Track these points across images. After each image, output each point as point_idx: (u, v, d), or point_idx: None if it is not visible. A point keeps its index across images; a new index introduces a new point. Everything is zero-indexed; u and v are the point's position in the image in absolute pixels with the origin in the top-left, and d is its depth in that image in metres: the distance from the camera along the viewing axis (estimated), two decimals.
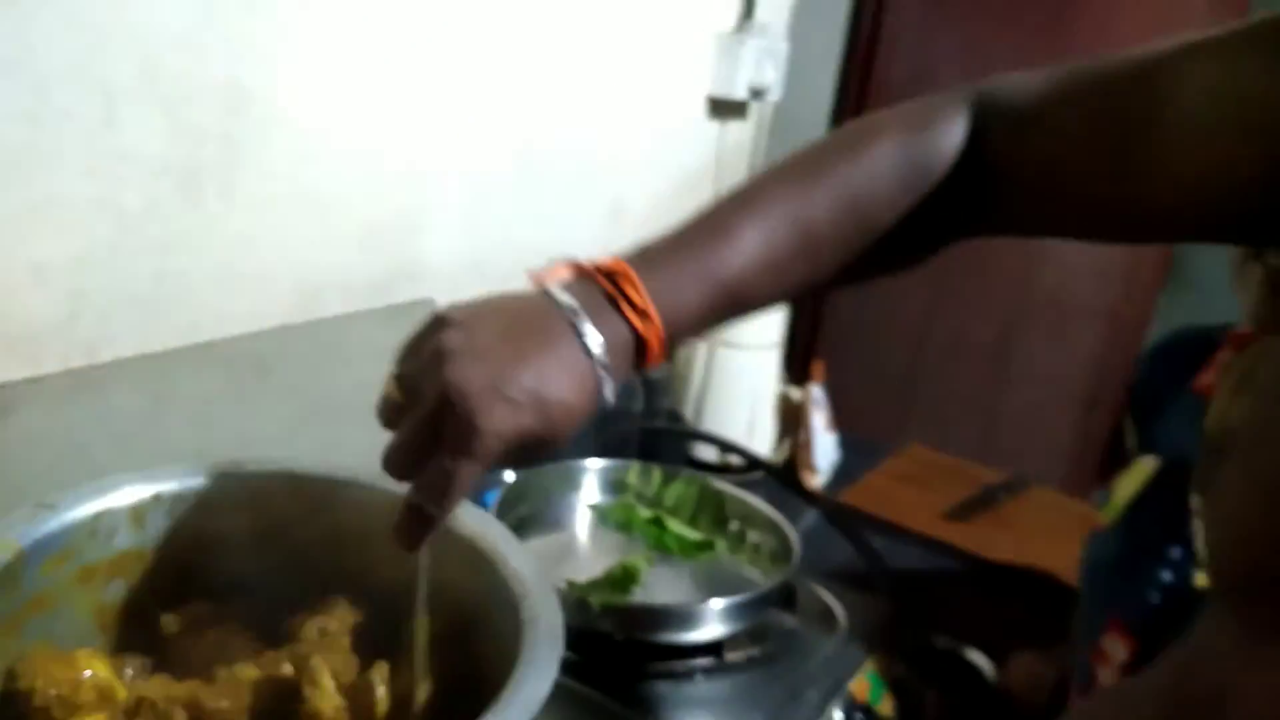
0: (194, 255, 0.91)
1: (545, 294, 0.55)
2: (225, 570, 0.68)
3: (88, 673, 0.57)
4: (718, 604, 0.88)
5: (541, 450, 0.55)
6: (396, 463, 0.53)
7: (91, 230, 0.82)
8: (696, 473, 1.12)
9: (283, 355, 0.99)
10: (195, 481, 0.68)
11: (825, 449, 1.62)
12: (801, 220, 0.58)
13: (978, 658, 1.14)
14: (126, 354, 0.87)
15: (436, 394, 0.51)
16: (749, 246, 0.57)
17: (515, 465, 0.57)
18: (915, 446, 1.84)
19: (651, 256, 0.57)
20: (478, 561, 0.68)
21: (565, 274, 0.57)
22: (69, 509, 0.62)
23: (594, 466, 1.13)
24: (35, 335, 0.80)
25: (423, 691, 0.64)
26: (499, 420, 0.51)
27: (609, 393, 0.55)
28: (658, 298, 0.55)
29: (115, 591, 0.65)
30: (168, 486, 0.67)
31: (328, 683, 0.64)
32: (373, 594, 0.71)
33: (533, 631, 0.61)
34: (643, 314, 0.55)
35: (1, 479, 0.74)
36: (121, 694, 0.58)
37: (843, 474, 1.62)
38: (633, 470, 1.12)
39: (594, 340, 0.53)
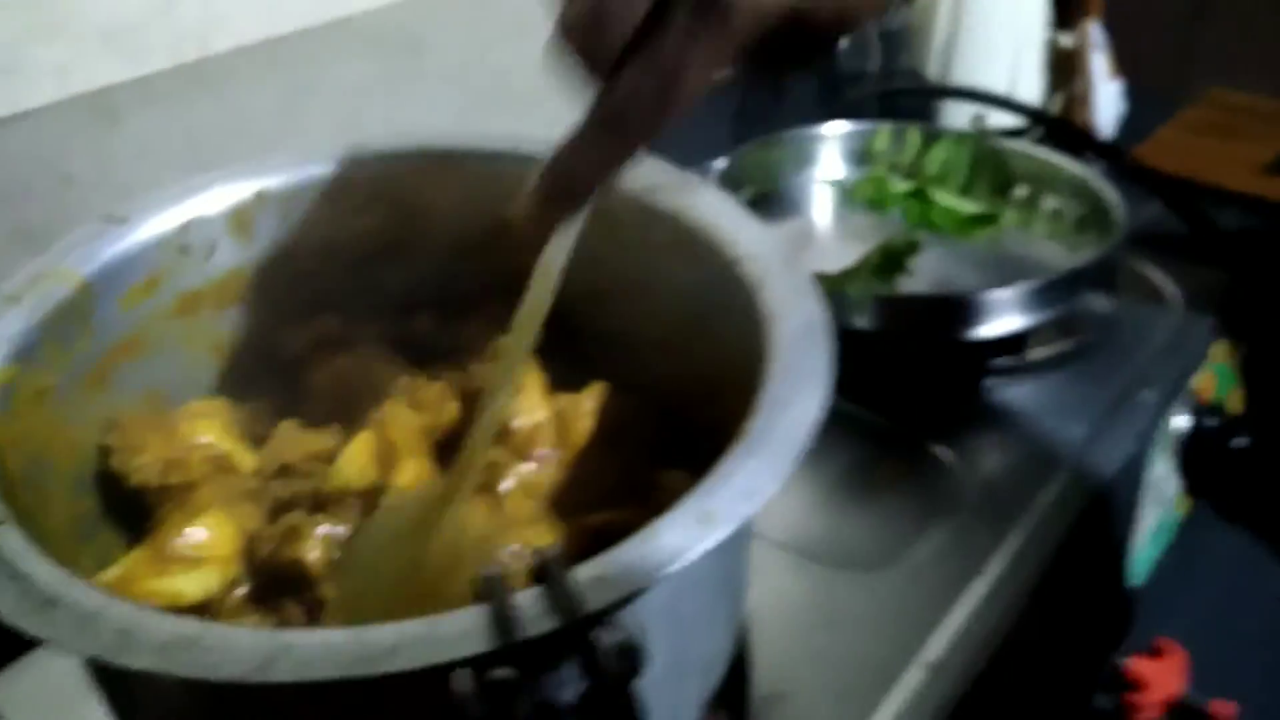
0: None
1: None
2: (361, 281, 0.53)
3: (203, 438, 0.44)
4: (1020, 288, 0.67)
5: (809, 46, 0.34)
6: (587, 27, 0.31)
7: None
8: (966, 130, 0.88)
9: (441, 30, 0.80)
10: (309, 172, 0.51)
11: (1108, 100, 1.31)
12: None
13: None
14: (248, 40, 0.70)
15: None
16: None
17: (766, 69, 0.37)
18: (1216, 91, 1.48)
19: None
20: (693, 240, 0.49)
21: None
22: (145, 221, 0.46)
23: (832, 133, 0.90)
24: (134, 26, 0.64)
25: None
26: None
27: None
28: None
29: (231, 323, 0.51)
30: (273, 181, 0.50)
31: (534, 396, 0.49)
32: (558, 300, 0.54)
33: (780, 329, 0.43)
34: None
35: (109, 199, 0.61)
36: (247, 461, 0.45)
37: (1130, 130, 1.32)
38: (881, 134, 0.88)
39: None
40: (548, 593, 0.31)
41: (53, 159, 0.60)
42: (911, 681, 0.51)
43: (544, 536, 0.43)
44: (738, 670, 0.50)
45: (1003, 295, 0.67)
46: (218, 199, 0.49)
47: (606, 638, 0.29)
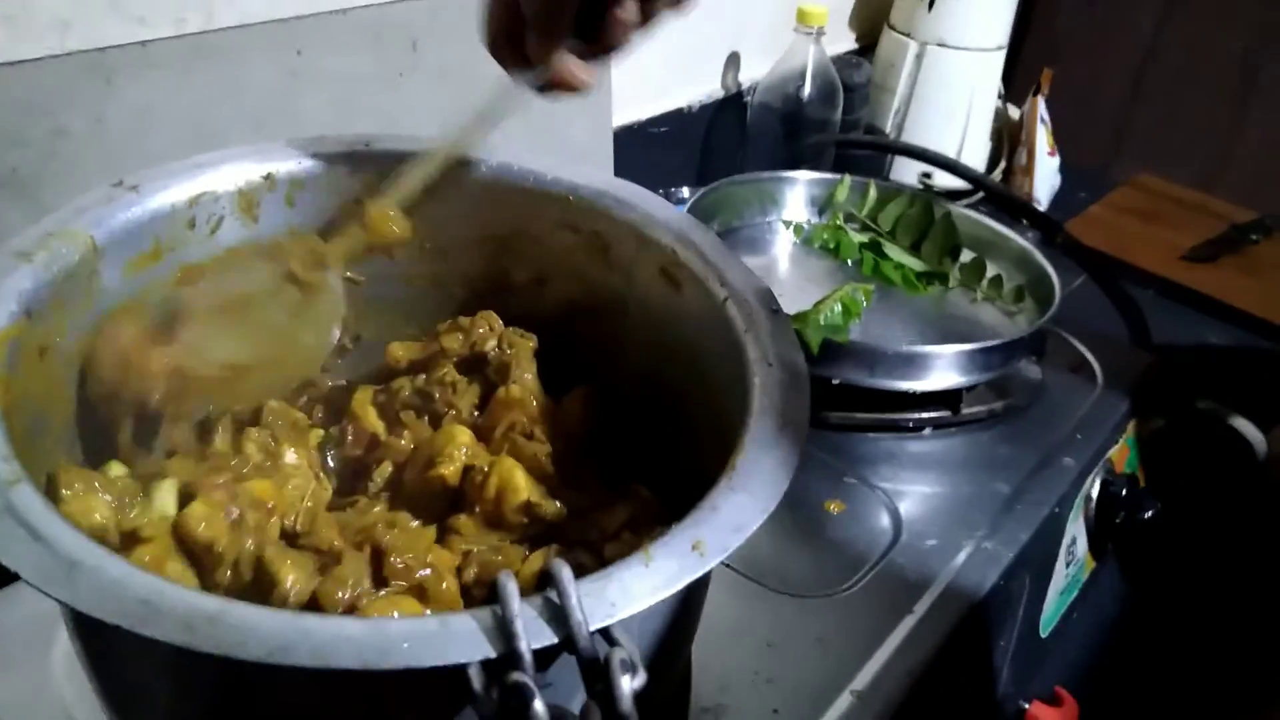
0: None
1: None
2: (354, 273, 0.55)
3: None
4: (960, 349, 0.71)
5: None
6: None
7: None
8: (921, 190, 0.92)
9: (435, 29, 0.82)
10: (318, 161, 0.52)
11: (1046, 175, 1.38)
12: None
13: (1244, 425, 0.96)
14: (251, 18, 0.70)
15: None
16: None
17: None
18: (1143, 176, 1.57)
19: None
20: (682, 275, 0.52)
21: None
22: (156, 191, 0.47)
23: (798, 178, 0.94)
24: None
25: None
26: None
27: None
28: None
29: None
30: (283, 166, 0.51)
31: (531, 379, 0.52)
32: (535, 318, 0.57)
33: (766, 374, 0.46)
34: None
35: (104, 157, 0.61)
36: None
37: (1061, 204, 1.40)
38: (842, 185, 0.93)
39: None
40: (553, 604, 0.33)
41: (48, 110, 0.60)
42: (840, 706, 0.54)
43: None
44: (683, 683, 0.53)
45: (945, 354, 0.71)
46: (227, 177, 0.50)
47: (614, 652, 0.32)
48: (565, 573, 0.33)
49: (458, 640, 0.31)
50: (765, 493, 0.39)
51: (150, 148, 0.64)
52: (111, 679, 0.39)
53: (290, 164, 0.53)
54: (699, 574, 0.35)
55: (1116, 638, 0.83)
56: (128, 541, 0.41)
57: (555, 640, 0.32)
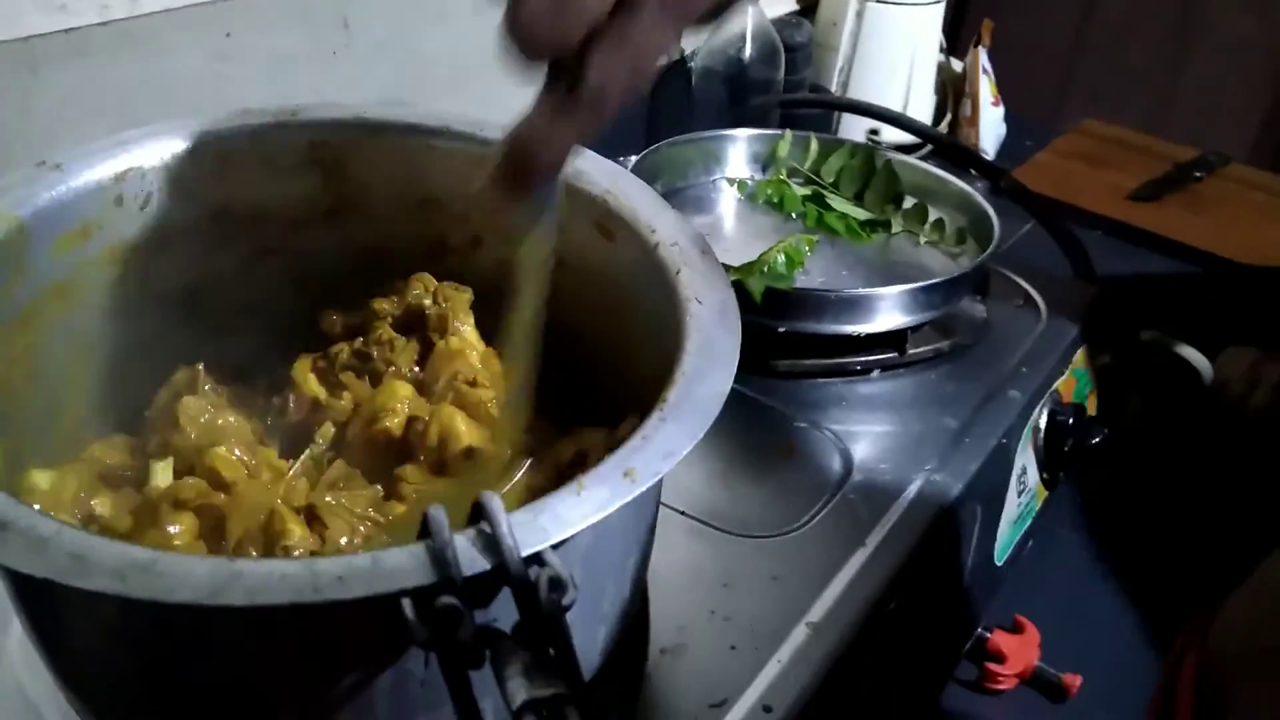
0: None
1: None
2: (291, 245, 0.55)
3: None
4: (902, 289, 0.72)
5: None
6: (553, 14, 0.32)
7: None
8: (862, 142, 0.93)
9: (365, 8, 0.82)
10: (245, 132, 0.52)
11: (991, 124, 1.40)
12: None
13: (1191, 354, 0.98)
14: (178, 2, 0.70)
15: None
16: None
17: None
18: (1088, 122, 1.59)
19: None
20: (615, 225, 0.53)
21: None
22: (81, 170, 0.47)
23: (739, 136, 0.94)
24: None
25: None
26: None
27: None
28: None
29: (165, 276, 0.52)
30: (209, 137, 0.51)
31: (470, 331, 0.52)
32: (473, 277, 0.57)
33: (696, 311, 0.46)
34: None
35: (31, 148, 0.61)
36: None
37: (1008, 153, 1.41)
38: (784, 140, 0.93)
39: None
40: (485, 533, 0.33)
41: None
42: (797, 639, 0.55)
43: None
44: (639, 624, 0.54)
45: (888, 295, 0.72)
46: (153, 152, 0.50)
47: (540, 572, 0.32)
48: (495, 503, 0.34)
49: (390, 572, 0.32)
50: (694, 421, 0.40)
51: (78, 137, 0.64)
52: (57, 648, 0.40)
53: (216, 136, 0.53)
54: (629, 498, 0.36)
55: (1074, 565, 0.85)
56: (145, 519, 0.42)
57: (488, 567, 0.33)
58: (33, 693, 0.47)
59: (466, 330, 0.52)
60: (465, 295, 0.54)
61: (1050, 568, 0.83)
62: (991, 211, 0.82)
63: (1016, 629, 0.77)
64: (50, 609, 0.38)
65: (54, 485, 0.44)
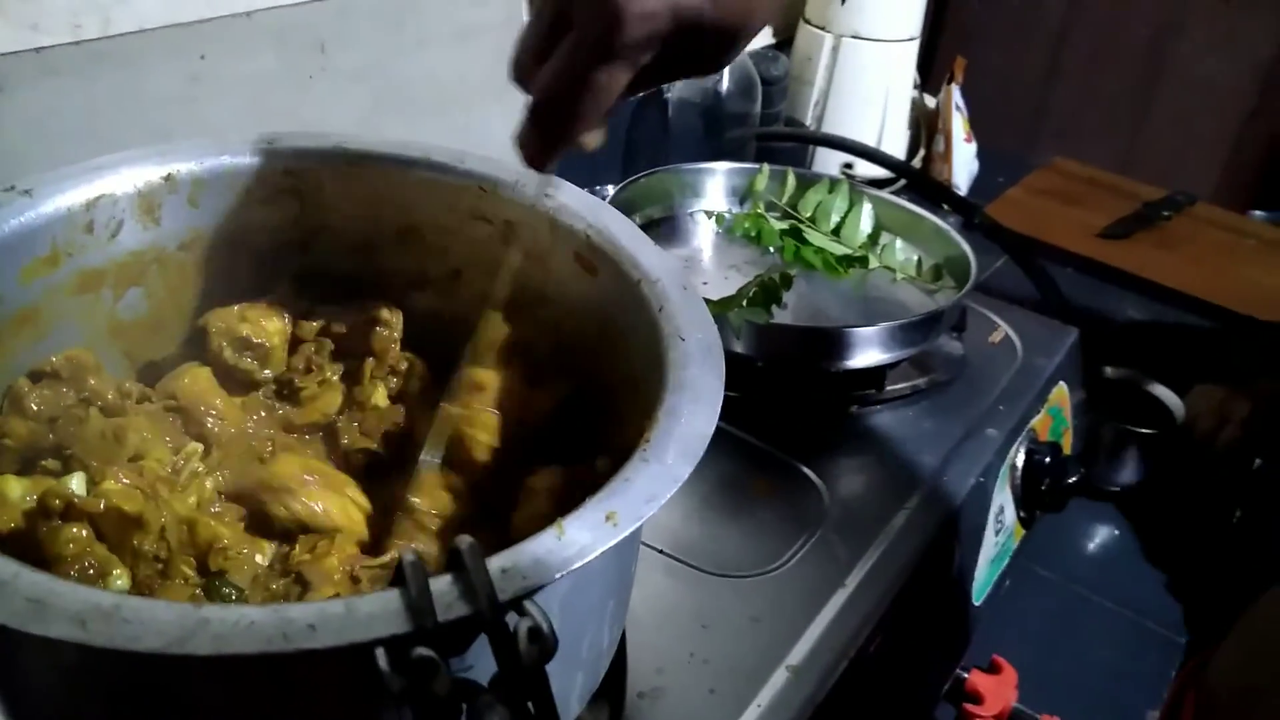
0: None
1: None
2: (265, 274, 0.54)
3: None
4: (882, 326, 0.72)
5: (710, 48, 0.40)
6: (521, 65, 0.41)
7: None
8: (840, 177, 0.93)
9: (342, 33, 0.81)
10: (221, 160, 0.51)
11: (964, 160, 1.41)
12: None
13: (1162, 391, 0.99)
14: (151, 23, 0.69)
15: None
16: None
17: (671, 74, 0.41)
18: (1059, 160, 1.61)
19: None
20: (597, 259, 0.52)
21: None
22: (51, 195, 0.46)
23: (717, 169, 0.94)
24: None
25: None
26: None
27: None
28: None
29: (132, 305, 0.51)
30: (184, 166, 0.50)
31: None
32: (451, 309, 0.56)
33: (679, 347, 0.46)
34: None
35: (4, 168, 0.59)
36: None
37: (980, 188, 1.43)
38: (761, 174, 0.93)
39: None
40: (462, 579, 0.32)
41: None
42: (777, 683, 0.54)
43: None
44: (616, 666, 0.53)
45: (868, 332, 0.72)
46: (126, 179, 0.49)
47: (520, 623, 0.31)
48: (472, 547, 0.33)
49: (363, 620, 0.31)
50: (678, 463, 0.39)
51: (49, 159, 0.62)
52: (16, 691, 0.38)
53: (191, 164, 0.51)
54: (611, 543, 0.35)
55: (1050, 604, 0.85)
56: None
57: (465, 613, 0.31)
58: None
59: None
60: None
61: (1026, 607, 0.82)
62: (969, 249, 0.82)
63: (994, 669, 0.76)
64: (9, 654, 0.36)
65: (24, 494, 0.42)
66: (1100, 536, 0.94)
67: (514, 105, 0.42)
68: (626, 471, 0.39)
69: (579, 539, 0.35)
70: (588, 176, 1.09)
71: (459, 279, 0.58)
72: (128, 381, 0.50)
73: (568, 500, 0.47)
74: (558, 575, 0.34)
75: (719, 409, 0.42)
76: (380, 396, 0.53)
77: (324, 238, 0.56)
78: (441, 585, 0.32)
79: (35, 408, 0.45)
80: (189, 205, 0.51)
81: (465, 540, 0.33)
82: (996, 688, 0.75)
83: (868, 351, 0.73)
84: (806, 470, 0.69)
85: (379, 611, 0.31)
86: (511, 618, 0.32)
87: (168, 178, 0.50)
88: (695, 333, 0.46)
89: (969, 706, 0.73)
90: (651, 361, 0.46)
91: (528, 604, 0.32)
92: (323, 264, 0.56)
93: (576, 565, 0.34)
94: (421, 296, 0.58)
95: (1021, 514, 0.79)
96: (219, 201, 0.52)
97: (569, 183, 0.56)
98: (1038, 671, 0.76)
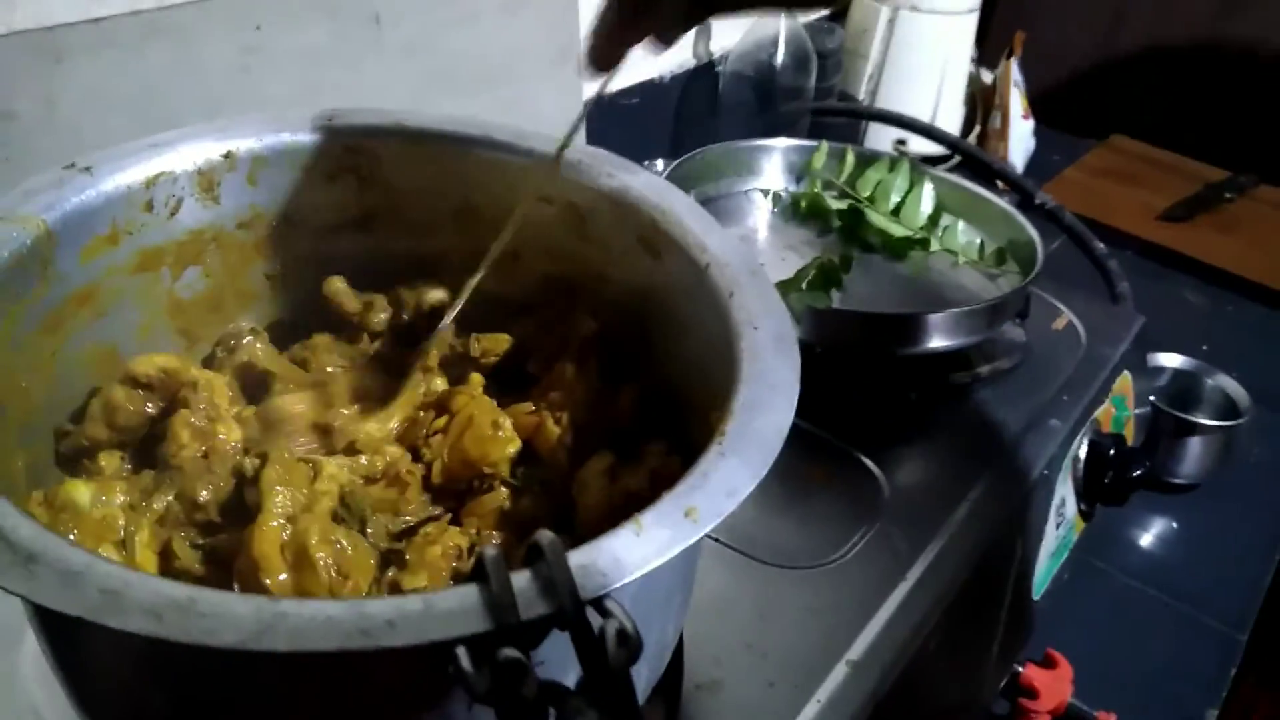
0: None
1: None
2: (325, 253, 0.53)
3: None
4: (950, 313, 0.70)
5: None
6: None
7: None
8: (900, 155, 0.91)
9: (398, 5, 0.80)
10: (281, 138, 0.50)
11: (1021, 137, 1.38)
12: None
13: (1225, 381, 0.96)
14: None
15: None
16: None
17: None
18: (1117, 138, 1.57)
19: None
20: (661, 242, 0.51)
21: None
22: (111, 173, 0.45)
23: (774, 146, 0.92)
24: None
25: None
26: None
27: None
28: None
29: (190, 284, 0.50)
30: (244, 143, 0.49)
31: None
32: (509, 291, 0.55)
33: (751, 336, 0.45)
34: None
35: (55, 142, 0.59)
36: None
37: (1035, 168, 1.39)
38: (819, 152, 0.91)
39: None
40: (543, 576, 0.31)
41: None
42: (837, 677, 0.53)
43: None
44: (674, 658, 0.52)
45: (933, 319, 0.70)
46: (186, 157, 0.48)
47: (607, 624, 0.30)
48: (554, 543, 0.32)
49: (444, 617, 0.30)
50: (756, 457, 0.38)
51: (103, 130, 0.62)
52: (81, 677, 0.37)
53: (251, 141, 0.50)
54: (692, 540, 0.34)
55: (1107, 598, 0.83)
56: None
57: (547, 612, 0.31)
58: (48, 715, 0.45)
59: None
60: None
61: (1081, 600, 0.81)
62: (1035, 234, 0.80)
63: (1049, 663, 0.75)
64: (75, 640, 0.36)
65: (93, 498, 0.42)
66: (1156, 528, 0.92)
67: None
68: (703, 466, 0.38)
69: (658, 535, 0.34)
70: (636, 151, 1.08)
71: (517, 261, 0.57)
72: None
73: (623, 483, 0.47)
74: (637, 573, 0.33)
75: (795, 400, 0.41)
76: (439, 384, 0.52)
77: (382, 216, 0.55)
78: (521, 581, 0.31)
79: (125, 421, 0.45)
80: (248, 183, 0.50)
81: (546, 535, 0.32)
82: (1051, 682, 0.74)
83: (931, 339, 0.71)
84: (865, 459, 0.67)
85: (458, 608, 0.30)
86: (593, 617, 0.31)
87: (227, 155, 0.49)
88: (768, 321, 0.45)
89: (1024, 701, 0.72)
90: (720, 350, 0.45)
91: (610, 603, 0.32)
92: (379, 244, 0.55)
93: (657, 562, 0.33)
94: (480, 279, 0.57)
95: (1082, 507, 0.77)
96: (279, 180, 0.51)
97: (626, 160, 0.55)
98: (1092, 665, 0.75)
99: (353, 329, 0.54)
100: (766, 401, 0.41)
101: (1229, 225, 1.35)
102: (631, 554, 0.33)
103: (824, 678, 0.53)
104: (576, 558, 0.33)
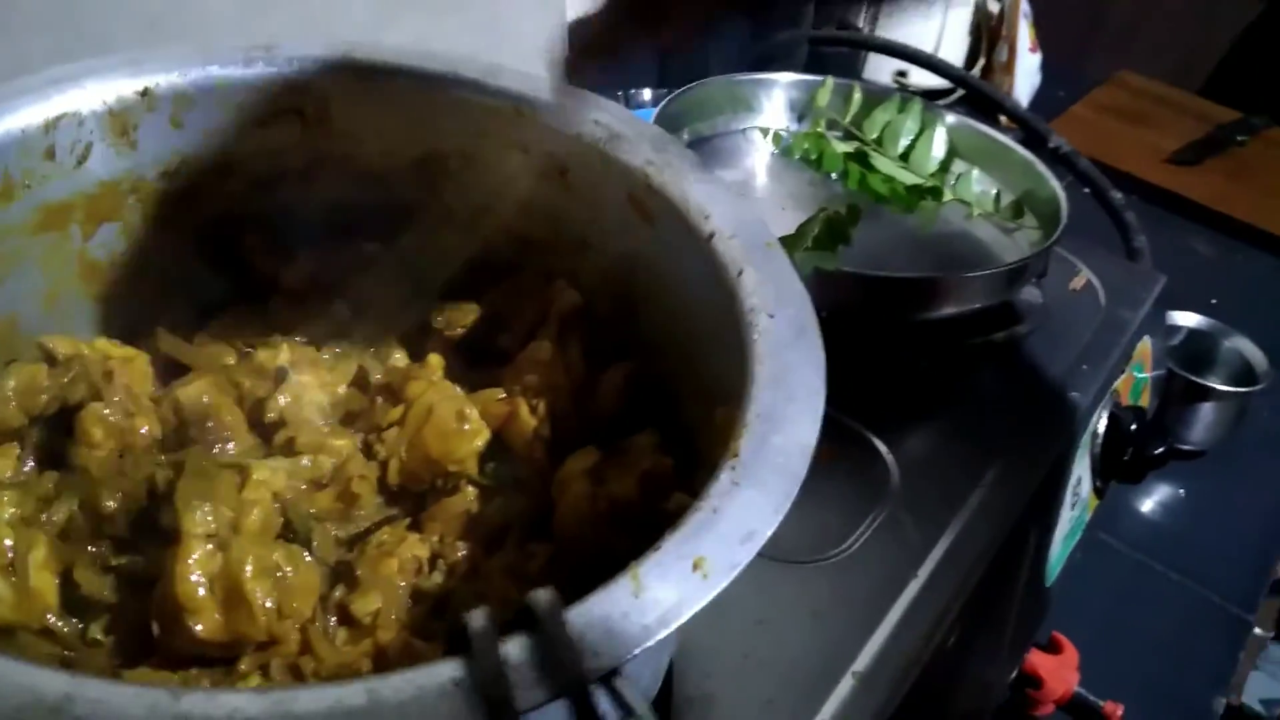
0: None
1: None
2: (262, 208, 0.46)
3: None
4: (967, 275, 0.64)
5: None
6: None
7: None
8: (913, 95, 0.83)
9: None
10: (209, 72, 0.42)
11: (1027, 72, 1.30)
12: None
13: (1242, 343, 0.91)
14: None
15: None
16: None
17: None
18: (1125, 74, 1.49)
19: None
20: (655, 204, 0.43)
21: None
22: (2, 114, 0.37)
23: (775, 80, 0.84)
24: None
25: None
26: None
27: None
28: None
29: (106, 244, 0.43)
30: (164, 79, 0.41)
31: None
32: (475, 248, 0.48)
33: (766, 328, 0.38)
34: None
35: None
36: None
37: (1040, 105, 1.32)
38: (824, 88, 0.83)
39: None
40: (541, 649, 0.25)
41: None
42: (841, 692, 0.48)
43: None
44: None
45: (951, 281, 0.64)
46: (94, 94, 0.41)
47: (610, 710, 0.24)
48: (553, 606, 0.26)
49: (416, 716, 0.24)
50: (778, 487, 0.32)
51: (12, 56, 0.54)
52: None
53: (173, 76, 0.43)
54: (703, 603, 0.28)
55: (1116, 577, 0.78)
56: None
57: (547, 699, 0.25)
58: None
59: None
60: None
61: (1087, 578, 0.76)
62: (1059, 188, 0.73)
63: (1054, 648, 0.70)
64: None
65: None
66: (1161, 495, 0.88)
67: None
68: (712, 497, 0.31)
69: (662, 598, 0.28)
70: (619, 81, 0.99)
71: (487, 216, 0.50)
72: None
73: (609, 487, 0.40)
74: (637, 650, 0.26)
75: (821, 411, 0.35)
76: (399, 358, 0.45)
77: (329, 165, 0.47)
78: (515, 654, 0.25)
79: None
80: (171, 126, 0.42)
81: (543, 597, 0.26)
82: (1057, 668, 0.69)
83: (947, 303, 0.65)
84: (872, 437, 0.61)
85: (432, 706, 0.24)
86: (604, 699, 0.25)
87: (144, 93, 0.41)
88: (785, 308, 0.39)
89: (1029, 692, 0.68)
90: (724, 338, 0.39)
91: (620, 684, 0.26)
92: (326, 197, 0.47)
93: (661, 635, 0.27)
94: (442, 233, 0.50)
95: (1097, 484, 0.72)
96: (207, 121, 0.43)
97: (620, 106, 0.47)
98: (1096, 647, 0.70)
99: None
100: (787, 412, 0.34)
101: (1240, 170, 1.28)
102: (629, 624, 0.27)
103: (828, 693, 0.48)
104: (577, 621, 0.27)
